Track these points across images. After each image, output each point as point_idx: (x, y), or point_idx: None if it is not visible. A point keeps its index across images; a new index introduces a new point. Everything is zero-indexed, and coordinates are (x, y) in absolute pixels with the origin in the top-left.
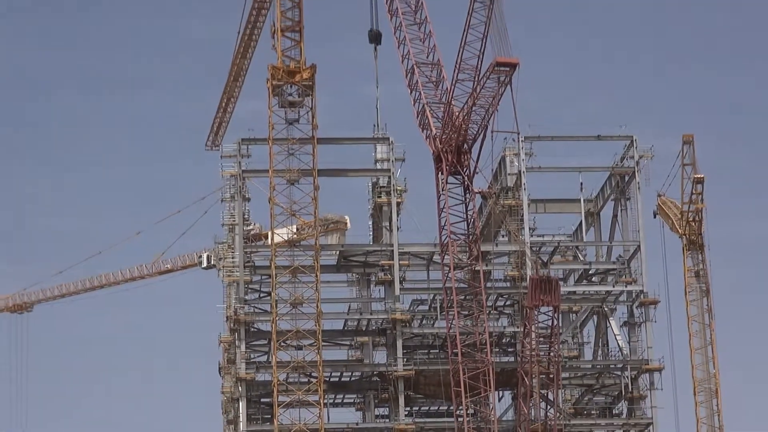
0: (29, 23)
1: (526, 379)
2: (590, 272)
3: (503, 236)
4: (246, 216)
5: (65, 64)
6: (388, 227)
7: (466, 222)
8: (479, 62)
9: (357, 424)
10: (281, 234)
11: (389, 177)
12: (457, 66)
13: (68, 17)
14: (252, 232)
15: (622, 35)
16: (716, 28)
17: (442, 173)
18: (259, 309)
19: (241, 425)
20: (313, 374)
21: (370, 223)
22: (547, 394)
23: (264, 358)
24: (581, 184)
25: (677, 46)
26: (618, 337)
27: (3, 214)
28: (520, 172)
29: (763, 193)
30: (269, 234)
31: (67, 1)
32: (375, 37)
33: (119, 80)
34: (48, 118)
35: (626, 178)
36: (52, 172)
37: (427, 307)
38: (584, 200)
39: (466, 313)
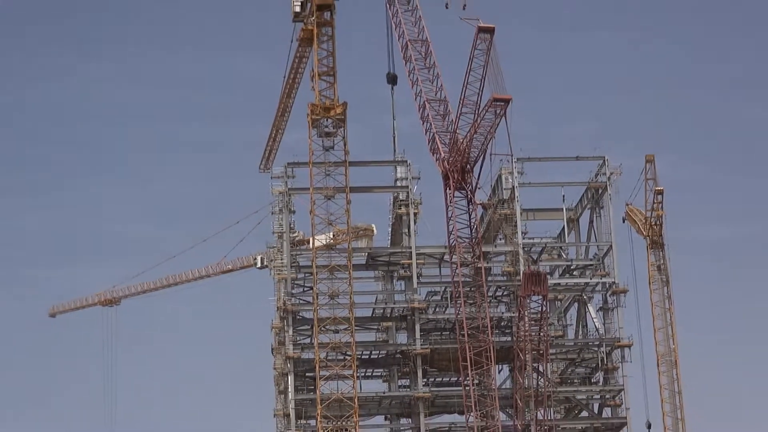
0: (122, 65)
1: (520, 354)
2: (572, 267)
3: (500, 239)
4: (292, 225)
5: (153, 98)
6: (407, 233)
7: (469, 228)
8: (479, 98)
9: (384, 393)
10: (320, 239)
11: (407, 192)
12: (461, 101)
13: (162, 60)
14: (297, 238)
15: (601, 68)
16: (681, 62)
17: (449, 189)
18: (303, 300)
19: (290, 394)
20: (347, 353)
21: (389, 229)
22: (538, 366)
23: (307, 340)
24: (563, 196)
25: (646, 75)
26: (595, 320)
27: (96, 224)
28: (513, 187)
29: (717, 200)
30: (311, 239)
31: (156, 45)
32: (392, 79)
33: (191, 113)
34: (135, 144)
35: (600, 191)
36: (135, 188)
37: (439, 297)
38: (566, 209)
39: (471, 301)
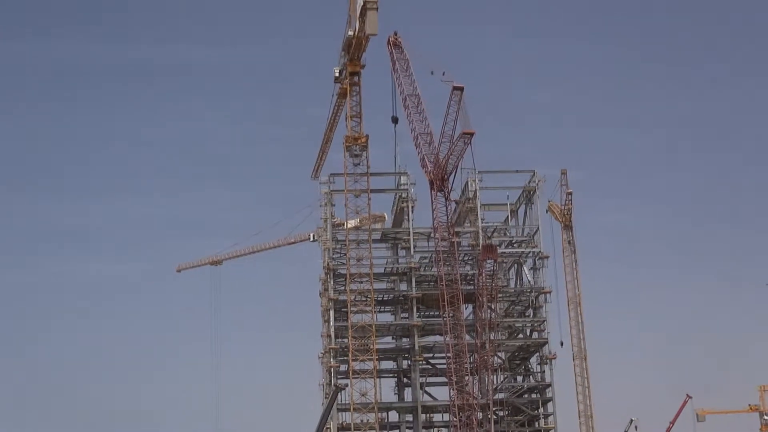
0: (217, 102)
1: (479, 297)
2: (513, 242)
3: (467, 224)
4: (332, 214)
5: (247, 131)
6: (406, 219)
7: (447, 216)
8: (453, 132)
9: (391, 322)
10: (351, 223)
11: (407, 193)
12: (442, 134)
13: (255, 107)
14: (336, 222)
15: (534, 111)
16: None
17: (434, 191)
18: (340, 262)
19: (331, 322)
20: (368, 296)
21: (392, 216)
22: (491, 305)
23: (342, 288)
24: (508, 195)
25: (562, 115)
26: (527, 275)
27: (209, 212)
28: (476, 189)
29: (610, 196)
30: (345, 223)
31: (252, 96)
32: (395, 120)
33: (269, 140)
34: (234, 160)
35: (531, 192)
36: (234, 189)
37: (427, 261)
38: (509, 204)
39: (448, 263)
